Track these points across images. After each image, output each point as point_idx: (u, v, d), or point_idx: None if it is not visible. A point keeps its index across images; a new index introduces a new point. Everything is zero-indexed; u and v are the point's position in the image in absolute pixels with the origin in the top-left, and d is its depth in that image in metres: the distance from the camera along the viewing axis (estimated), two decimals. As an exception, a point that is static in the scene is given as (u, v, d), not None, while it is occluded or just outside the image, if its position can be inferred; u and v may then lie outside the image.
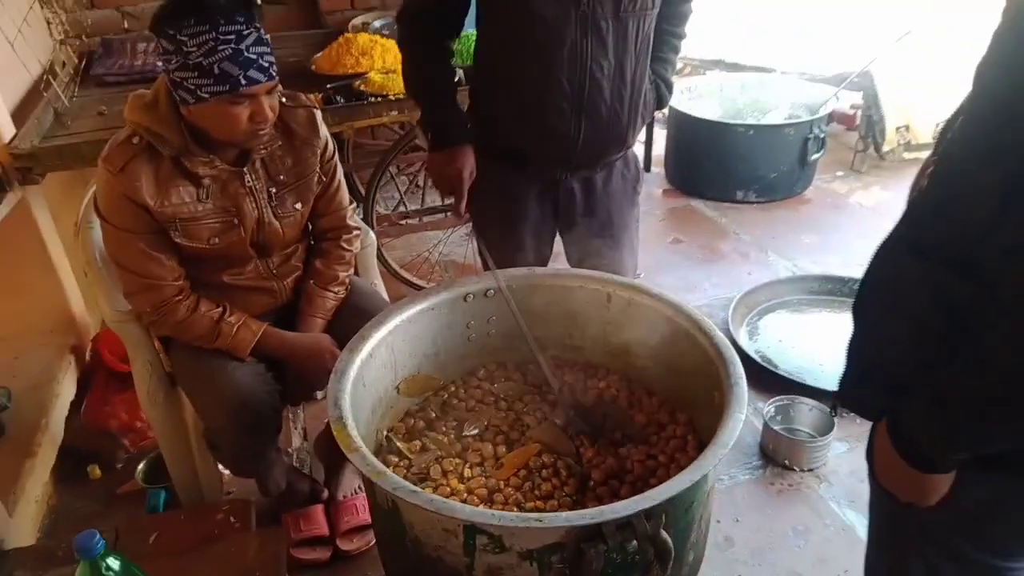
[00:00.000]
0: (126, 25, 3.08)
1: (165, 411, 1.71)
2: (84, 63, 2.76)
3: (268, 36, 1.42)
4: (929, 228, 0.81)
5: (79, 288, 2.40)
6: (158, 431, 1.74)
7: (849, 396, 0.95)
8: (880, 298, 0.88)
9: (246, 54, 1.36)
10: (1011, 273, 0.70)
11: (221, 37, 1.34)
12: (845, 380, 0.95)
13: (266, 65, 1.40)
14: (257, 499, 1.76)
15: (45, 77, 2.39)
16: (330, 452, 1.93)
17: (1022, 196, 0.69)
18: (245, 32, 1.36)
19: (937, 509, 0.88)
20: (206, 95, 1.37)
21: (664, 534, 1.12)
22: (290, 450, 2.17)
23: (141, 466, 1.95)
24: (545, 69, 1.54)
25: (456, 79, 1.72)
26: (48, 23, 2.77)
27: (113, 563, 1.06)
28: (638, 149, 3.71)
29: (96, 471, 2.10)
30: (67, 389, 2.19)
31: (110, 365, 2.29)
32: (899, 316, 0.84)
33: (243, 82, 1.36)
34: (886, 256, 0.86)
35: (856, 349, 0.92)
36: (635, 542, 1.09)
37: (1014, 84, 0.71)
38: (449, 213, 2.90)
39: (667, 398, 1.57)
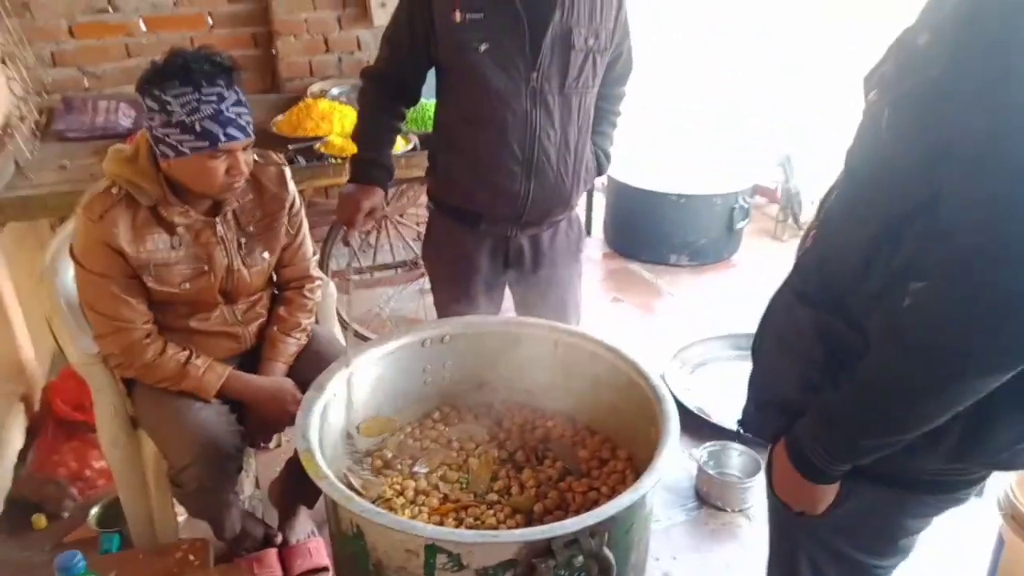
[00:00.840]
0: (87, 84, 3.17)
1: (126, 453, 1.75)
2: (45, 119, 2.83)
3: (245, 98, 1.56)
4: (813, 280, 0.99)
5: (31, 337, 2.41)
6: (117, 473, 1.77)
7: (750, 422, 1.11)
8: (774, 338, 1.05)
9: (226, 114, 1.49)
10: (874, 315, 0.88)
11: (203, 98, 1.47)
12: (747, 409, 1.11)
13: (244, 124, 1.53)
14: (212, 544, 1.79)
15: (8, 131, 2.46)
16: (284, 497, 1.98)
17: (880, 257, 0.87)
18: (225, 94, 1.50)
19: (823, 516, 1.04)
20: (187, 150, 1.49)
21: (607, 551, 1.23)
22: (242, 497, 2.19)
23: (95, 510, 1.95)
24: (499, 136, 1.71)
25: (394, 137, 1.87)
26: (8, 79, 2.85)
27: (91, 584, 1.11)
28: (580, 215, 3.95)
29: (41, 520, 2.08)
30: (15, 437, 2.19)
31: (60, 414, 2.29)
32: (790, 352, 1.02)
33: (222, 139, 1.49)
34: (778, 304, 1.05)
35: (755, 383, 1.09)
36: (581, 558, 1.21)
37: (869, 171, 0.91)
38: (399, 270, 3.04)
39: (609, 436, 1.70)
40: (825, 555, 1.10)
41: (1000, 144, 0.74)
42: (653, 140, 4.30)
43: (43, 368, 2.51)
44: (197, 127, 1.47)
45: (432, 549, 1.20)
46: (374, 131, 1.82)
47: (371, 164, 1.80)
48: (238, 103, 1.52)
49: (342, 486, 1.28)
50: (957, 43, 0.76)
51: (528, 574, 1.20)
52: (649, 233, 3.71)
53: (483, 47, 1.64)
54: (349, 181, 1.82)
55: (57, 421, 2.30)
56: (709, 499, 2.24)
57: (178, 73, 1.47)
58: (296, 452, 1.91)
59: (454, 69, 1.71)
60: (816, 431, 0.96)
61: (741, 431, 1.14)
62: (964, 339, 0.78)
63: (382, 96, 1.81)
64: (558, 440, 1.71)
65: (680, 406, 2.57)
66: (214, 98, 1.48)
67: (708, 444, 2.33)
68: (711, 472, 2.25)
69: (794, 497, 1.04)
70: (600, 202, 4.00)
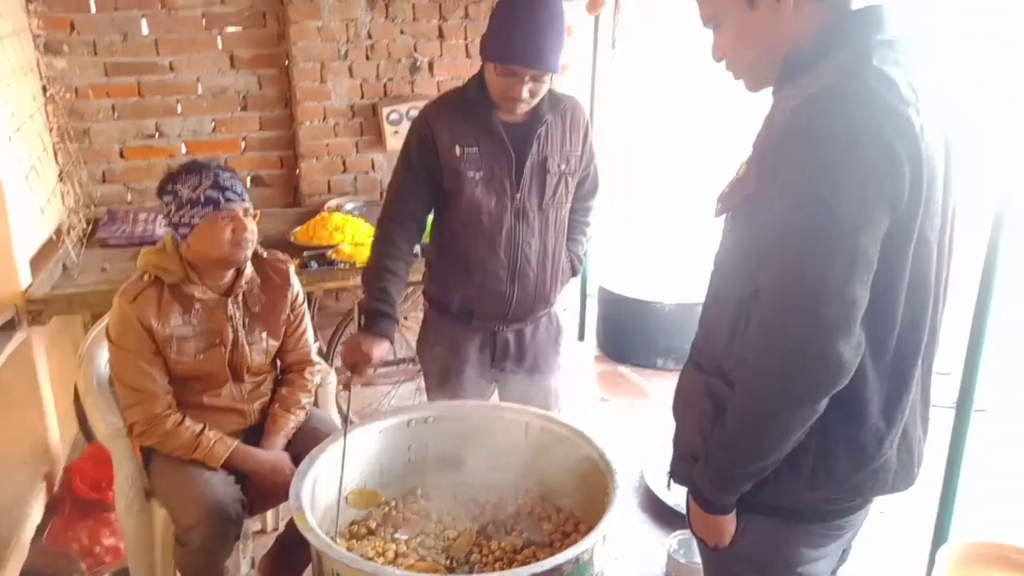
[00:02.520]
0: (129, 199, 3.57)
1: (138, 520, 1.95)
2: (91, 228, 3.20)
3: (240, 179, 1.92)
4: (703, 352, 1.24)
5: (58, 421, 2.64)
6: (129, 539, 1.95)
7: (674, 472, 1.32)
8: (681, 400, 1.29)
9: (223, 183, 1.84)
10: (739, 374, 1.12)
11: (204, 176, 1.84)
12: (672, 462, 1.32)
13: (239, 191, 1.87)
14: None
15: (61, 238, 2.81)
16: (273, 572, 2.13)
17: (739, 331, 1.13)
18: (221, 173, 1.87)
19: (731, 548, 1.23)
20: (198, 220, 1.82)
21: (552, 603, 1.40)
22: None
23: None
24: (488, 246, 1.99)
25: (404, 286, 2.00)
26: (64, 194, 3.24)
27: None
28: (573, 320, 4.22)
29: (51, 592, 2.24)
30: (36, 512, 2.38)
31: (79, 493, 2.48)
32: (691, 409, 1.25)
33: (222, 201, 1.82)
34: (684, 373, 1.30)
35: (675, 438, 1.31)
36: (528, 606, 1.37)
37: (725, 266, 1.20)
38: (399, 366, 3.29)
39: (573, 512, 1.87)
40: None
41: (783, 242, 1.02)
42: (641, 252, 4.62)
43: (65, 451, 2.72)
44: (201, 197, 1.82)
45: (399, 594, 1.38)
46: (388, 282, 1.93)
47: (383, 317, 1.90)
48: (233, 178, 1.89)
49: (325, 537, 1.47)
50: (758, 170, 1.06)
51: (480, 619, 1.37)
52: (637, 338, 3.94)
53: (478, 175, 1.95)
54: (361, 330, 1.92)
55: (74, 500, 2.49)
56: (679, 585, 2.35)
57: (184, 169, 1.87)
58: (286, 528, 2.11)
59: (452, 191, 1.99)
60: (703, 467, 1.19)
61: (670, 480, 1.34)
62: (773, 381, 1.05)
63: (400, 240, 1.97)
64: (527, 516, 1.88)
65: (658, 500, 2.76)
66: (212, 175, 1.85)
67: (678, 532, 2.46)
68: (680, 560, 2.37)
69: (702, 530, 1.24)
70: (592, 309, 4.27)
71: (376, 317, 1.91)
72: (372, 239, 2.03)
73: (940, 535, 2.25)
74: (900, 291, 1.06)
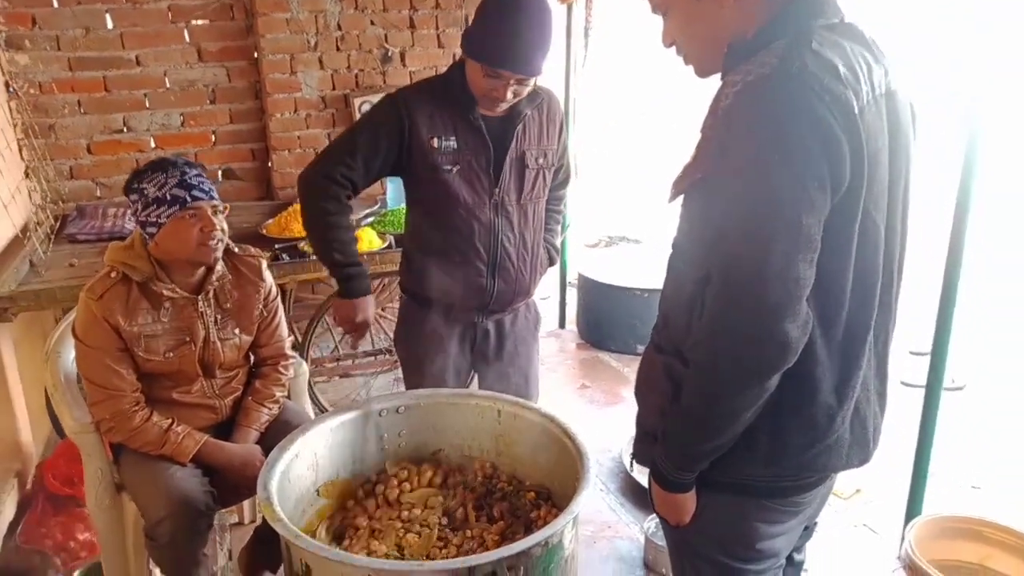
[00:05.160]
0: (98, 193, 3.52)
1: (109, 515, 1.93)
2: (59, 223, 3.15)
3: (208, 176, 1.88)
4: (663, 334, 1.24)
5: (29, 419, 2.61)
6: (100, 532, 1.94)
7: (636, 452, 1.33)
8: (643, 381, 1.30)
9: (189, 181, 1.81)
10: (695, 355, 1.12)
11: (170, 174, 1.80)
12: (635, 442, 1.33)
13: (207, 188, 1.83)
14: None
15: (27, 234, 2.77)
16: (251, 561, 2.12)
17: (695, 312, 1.12)
18: (188, 170, 1.83)
19: (692, 526, 1.24)
20: (165, 219, 1.78)
21: (523, 584, 1.41)
22: (215, 569, 2.33)
23: (78, 572, 2.10)
24: (467, 240, 1.97)
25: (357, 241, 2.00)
26: (30, 190, 3.19)
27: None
28: (554, 308, 4.23)
29: (25, 591, 2.22)
30: (8, 509, 2.35)
31: (51, 489, 2.46)
32: (652, 389, 1.25)
33: (189, 199, 1.79)
34: (645, 355, 1.30)
35: (637, 418, 1.32)
36: (499, 588, 1.38)
37: (682, 248, 1.19)
38: (376, 357, 3.27)
39: (543, 490, 1.87)
40: (703, 562, 1.29)
41: (728, 225, 1.03)
42: (620, 240, 4.65)
43: (38, 448, 2.69)
44: (168, 196, 1.78)
45: (369, 582, 1.38)
46: (349, 244, 1.95)
47: (361, 277, 1.96)
48: (200, 175, 1.85)
49: (293, 526, 1.46)
50: (705, 155, 1.06)
51: (452, 603, 1.37)
52: (616, 325, 3.96)
53: (455, 169, 1.92)
54: (344, 295, 1.96)
55: (47, 496, 2.47)
56: (656, 567, 2.36)
57: (150, 166, 1.83)
58: (264, 520, 2.09)
59: (428, 183, 1.96)
60: (662, 447, 1.19)
61: (633, 460, 1.35)
62: (724, 361, 1.05)
63: (343, 197, 1.92)
64: (496, 496, 1.87)
65: (634, 482, 2.78)
66: (178, 173, 1.81)
67: (655, 515, 2.47)
68: (658, 542, 2.38)
69: (664, 510, 1.25)
70: (573, 297, 4.28)
71: (356, 280, 1.97)
72: (308, 193, 1.91)
73: (913, 510, 2.28)
74: (847, 270, 1.07)
